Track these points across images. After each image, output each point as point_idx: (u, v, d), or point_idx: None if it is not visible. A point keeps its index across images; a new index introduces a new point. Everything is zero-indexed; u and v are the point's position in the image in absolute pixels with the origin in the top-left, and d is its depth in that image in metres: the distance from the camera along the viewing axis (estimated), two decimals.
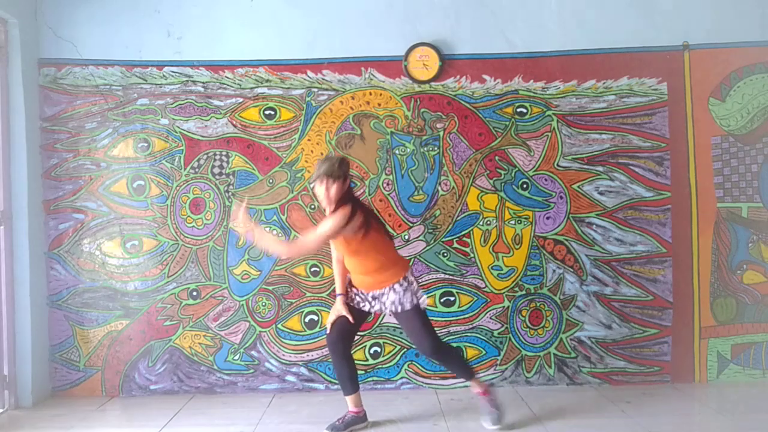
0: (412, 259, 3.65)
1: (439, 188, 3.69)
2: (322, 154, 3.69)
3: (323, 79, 3.70)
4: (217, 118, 3.70)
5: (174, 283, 3.68)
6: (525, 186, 3.70)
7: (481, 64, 3.70)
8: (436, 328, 3.60)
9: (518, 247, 3.70)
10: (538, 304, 3.70)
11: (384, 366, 3.68)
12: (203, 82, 3.70)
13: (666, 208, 3.70)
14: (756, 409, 3.24)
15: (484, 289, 3.69)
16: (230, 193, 3.70)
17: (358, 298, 3.01)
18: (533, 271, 3.70)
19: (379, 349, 3.68)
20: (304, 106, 3.70)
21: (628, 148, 3.70)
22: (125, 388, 3.67)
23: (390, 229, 3.68)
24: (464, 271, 3.69)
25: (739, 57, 3.71)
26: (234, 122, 3.70)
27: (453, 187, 3.68)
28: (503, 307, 3.70)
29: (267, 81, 3.70)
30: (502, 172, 3.70)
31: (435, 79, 3.68)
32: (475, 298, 3.69)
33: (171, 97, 3.70)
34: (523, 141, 3.70)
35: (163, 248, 3.68)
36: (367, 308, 3.00)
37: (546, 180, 3.70)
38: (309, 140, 3.70)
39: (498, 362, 3.69)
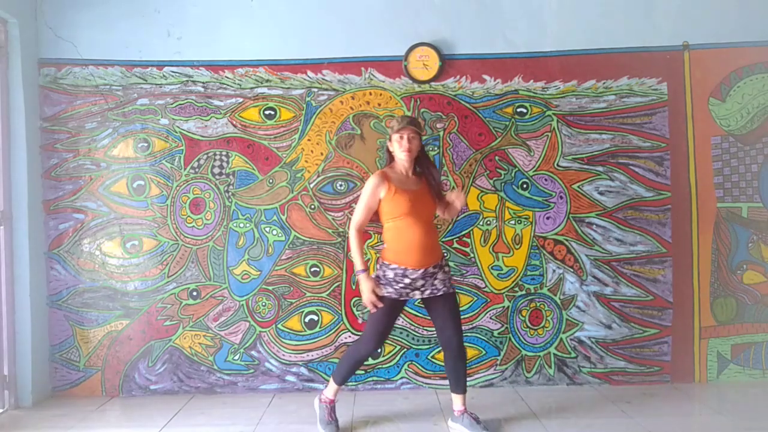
0: None
1: None
2: (322, 154, 3.69)
3: (323, 79, 3.70)
4: (217, 118, 3.70)
5: (174, 283, 3.68)
6: (525, 186, 3.70)
7: (481, 64, 3.70)
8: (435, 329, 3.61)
9: (518, 247, 3.70)
10: (538, 304, 3.70)
11: (384, 366, 3.68)
12: (203, 82, 3.70)
13: (666, 208, 3.70)
14: (756, 409, 3.24)
15: (484, 289, 3.69)
16: (230, 193, 3.70)
17: (407, 290, 2.89)
18: (533, 271, 3.70)
19: (379, 349, 3.68)
20: (304, 106, 3.70)
21: (628, 148, 3.70)
22: (125, 388, 3.68)
23: None
24: (464, 271, 3.69)
25: (739, 57, 3.71)
26: (234, 122, 3.70)
27: (453, 187, 3.68)
28: (503, 307, 3.70)
29: (267, 81, 3.70)
30: (502, 172, 3.70)
31: (435, 79, 3.68)
32: (475, 298, 3.69)
33: (171, 97, 3.70)
34: (523, 141, 3.70)
35: (163, 248, 3.68)
36: (417, 296, 2.90)
37: (546, 180, 3.70)
38: (309, 140, 3.70)
39: (498, 362, 3.69)
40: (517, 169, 3.70)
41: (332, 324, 3.68)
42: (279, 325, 3.69)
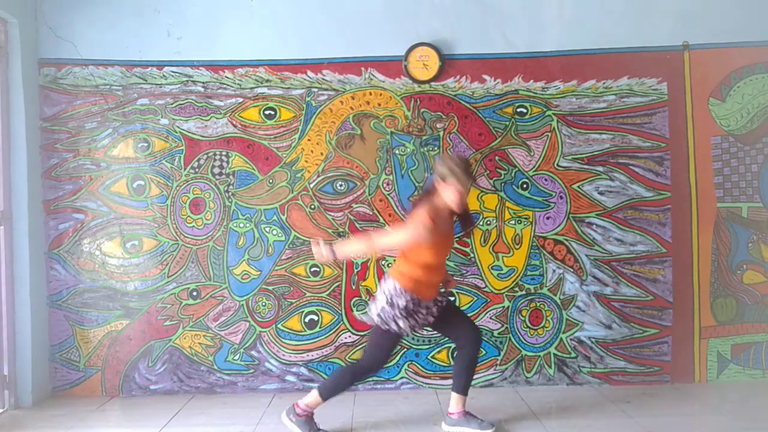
0: None
1: None
2: (322, 154, 3.69)
3: (323, 79, 3.70)
4: (217, 118, 3.70)
5: (174, 283, 3.68)
6: (525, 186, 3.70)
7: (481, 64, 3.70)
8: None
9: (518, 247, 3.70)
10: (538, 304, 3.70)
11: (384, 366, 3.67)
12: (203, 82, 3.70)
13: (666, 208, 3.70)
14: (756, 409, 3.24)
15: (484, 289, 3.69)
16: (230, 193, 3.70)
17: (428, 317, 2.87)
18: (533, 271, 3.70)
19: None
20: (304, 106, 3.70)
21: (628, 148, 3.70)
22: (125, 388, 3.67)
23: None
24: (464, 271, 3.69)
25: (739, 57, 3.71)
26: (234, 122, 3.70)
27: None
28: (503, 307, 3.70)
29: (267, 81, 3.70)
30: (502, 172, 3.70)
31: (435, 79, 3.68)
32: (475, 298, 3.69)
33: (171, 97, 3.70)
34: (523, 141, 3.70)
35: (163, 248, 3.68)
36: (430, 320, 2.89)
37: (546, 180, 3.70)
38: (309, 140, 3.70)
39: (498, 362, 3.69)
40: (517, 169, 3.70)
41: (332, 324, 3.68)
42: (279, 325, 3.68)
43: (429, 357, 3.69)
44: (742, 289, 3.71)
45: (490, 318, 3.69)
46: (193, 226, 3.69)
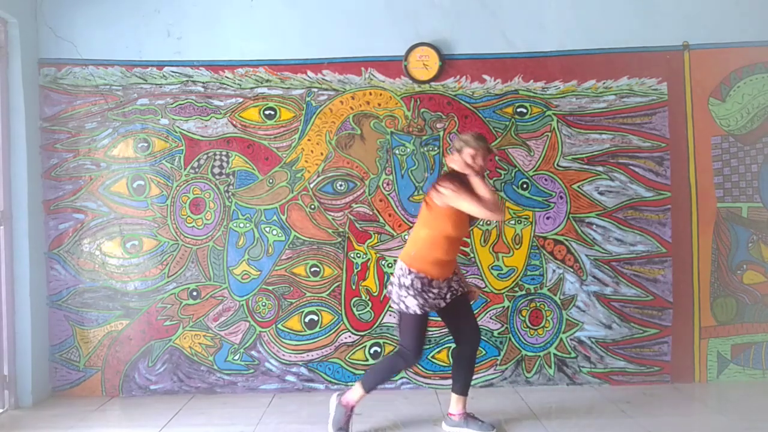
0: None
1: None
2: (322, 154, 3.69)
3: (323, 79, 3.70)
4: (217, 118, 3.70)
5: (174, 283, 3.68)
6: (525, 186, 3.70)
7: (481, 64, 3.70)
8: (435, 329, 3.62)
9: (518, 247, 3.70)
10: (538, 304, 3.70)
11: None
12: (203, 82, 3.70)
13: (666, 208, 3.70)
14: (756, 409, 3.24)
15: (484, 289, 3.69)
16: (230, 193, 3.70)
17: (439, 300, 2.84)
18: (533, 271, 3.70)
19: (379, 349, 3.68)
20: (304, 106, 3.70)
21: (628, 148, 3.70)
22: (125, 388, 3.67)
23: (390, 229, 3.69)
24: (464, 271, 3.68)
25: (739, 57, 3.71)
26: (234, 122, 3.70)
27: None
28: (503, 307, 3.70)
29: (267, 81, 3.70)
30: (502, 172, 3.70)
31: (435, 79, 3.68)
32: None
33: (171, 97, 3.70)
34: (523, 141, 3.70)
35: (163, 248, 3.68)
36: (442, 304, 2.86)
37: (546, 180, 3.70)
38: (309, 140, 3.70)
39: (498, 362, 3.69)
40: (517, 169, 3.70)
41: (332, 324, 3.68)
42: (279, 325, 3.68)
43: (429, 357, 3.69)
44: (742, 289, 3.71)
45: (490, 318, 3.69)
46: (193, 226, 3.69)
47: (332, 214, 3.69)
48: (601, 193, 3.70)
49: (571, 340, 3.70)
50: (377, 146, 3.69)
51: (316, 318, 3.69)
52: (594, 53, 3.70)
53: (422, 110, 3.70)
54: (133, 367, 3.68)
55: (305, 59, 3.70)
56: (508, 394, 3.56)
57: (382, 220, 3.68)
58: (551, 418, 3.16)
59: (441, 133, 3.69)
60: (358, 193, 3.69)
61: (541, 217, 3.70)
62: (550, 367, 3.70)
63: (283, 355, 3.68)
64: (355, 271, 3.68)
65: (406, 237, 3.66)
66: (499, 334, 3.69)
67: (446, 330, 3.65)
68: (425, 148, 3.69)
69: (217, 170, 3.70)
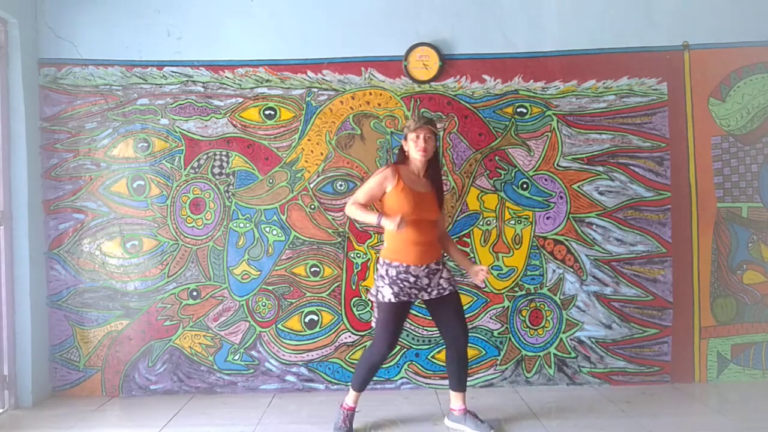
0: None
1: None
2: (322, 154, 3.69)
3: (323, 79, 3.70)
4: (217, 118, 3.70)
5: (174, 283, 3.68)
6: (525, 186, 3.70)
7: (481, 64, 3.70)
8: (435, 329, 3.61)
9: (518, 247, 3.70)
10: (538, 304, 3.70)
11: (384, 366, 3.67)
12: (203, 82, 3.70)
13: (666, 208, 3.70)
14: (756, 409, 3.24)
15: (484, 289, 3.69)
16: (230, 193, 3.70)
17: (414, 290, 2.87)
18: (533, 271, 3.70)
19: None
20: (304, 106, 3.70)
21: (628, 148, 3.70)
22: (125, 388, 3.68)
23: None
24: (464, 271, 3.69)
25: (739, 57, 3.71)
26: (234, 122, 3.70)
27: (453, 187, 3.68)
28: (503, 307, 3.70)
29: (267, 81, 3.70)
30: (502, 172, 3.70)
31: (435, 79, 3.68)
32: (475, 298, 3.69)
33: (171, 97, 3.70)
34: (523, 141, 3.70)
35: (163, 248, 3.68)
36: (425, 297, 2.89)
37: (546, 180, 3.70)
38: (309, 140, 3.70)
39: (498, 362, 3.69)
40: (517, 169, 3.70)
41: (332, 324, 3.68)
42: (279, 325, 3.68)
43: (429, 357, 3.69)
44: (742, 289, 3.71)
45: (490, 318, 3.69)
46: (193, 226, 3.69)
47: (332, 214, 3.69)
48: (601, 193, 3.70)
49: (571, 340, 3.70)
50: (377, 146, 3.69)
51: (316, 318, 3.69)
52: (594, 53, 3.70)
53: (422, 110, 3.70)
54: (133, 367, 3.68)
55: (305, 59, 3.70)
56: (508, 394, 3.56)
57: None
58: (551, 418, 3.16)
59: (441, 133, 3.69)
60: None
61: (541, 217, 3.70)
62: (550, 367, 3.70)
63: (283, 355, 3.69)
64: (355, 271, 3.68)
65: None
66: (499, 334, 3.70)
67: None
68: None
69: (217, 170, 3.70)
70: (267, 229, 3.69)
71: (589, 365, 3.70)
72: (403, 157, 2.97)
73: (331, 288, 3.68)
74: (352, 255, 3.68)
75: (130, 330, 3.67)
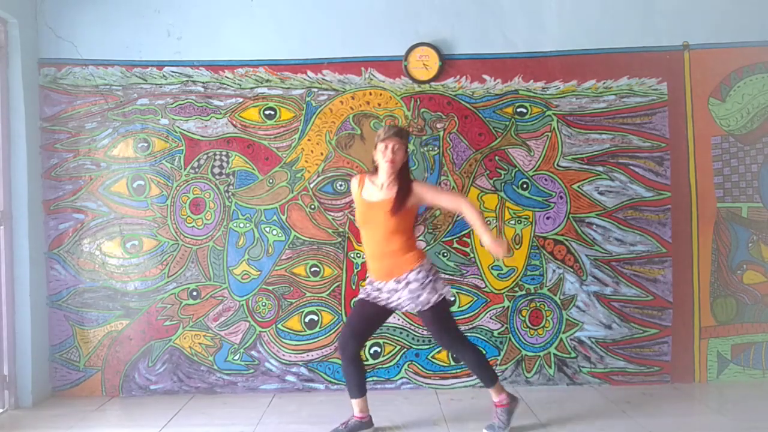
0: None
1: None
2: (322, 154, 3.69)
3: (323, 79, 3.70)
4: (217, 118, 3.70)
5: (174, 283, 3.68)
6: (525, 186, 3.70)
7: (481, 64, 3.70)
8: None
9: (518, 247, 3.70)
10: (538, 304, 3.70)
11: (384, 366, 3.68)
12: (203, 82, 3.70)
13: (666, 208, 3.70)
14: (756, 409, 3.24)
15: (484, 289, 3.69)
16: (230, 193, 3.70)
17: (375, 293, 2.87)
18: (533, 271, 3.70)
19: (379, 349, 3.68)
20: (304, 106, 3.70)
21: (628, 148, 3.70)
22: (125, 388, 3.67)
23: None
24: (464, 271, 3.69)
25: (739, 57, 3.71)
26: (234, 122, 3.70)
27: (453, 187, 3.68)
28: (503, 307, 3.70)
29: (267, 81, 3.70)
30: (502, 172, 3.70)
31: (435, 79, 3.68)
32: (475, 298, 3.69)
33: (171, 97, 3.70)
34: (523, 141, 3.70)
35: (163, 248, 3.68)
36: (382, 303, 2.85)
37: (546, 180, 3.70)
38: (309, 140, 3.70)
39: (498, 362, 3.69)
40: (517, 169, 3.70)
41: (332, 324, 3.68)
42: (279, 325, 3.68)
43: (429, 357, 3.69)
44: (742, 289, 3.71)
45: (490, 318, 3.69)
46: (193, 226, 3.69)
47: (332, 214, 3.69)
48: (601, 193, 3.70)
49: (571, 340, 3.70)
50: None
51: (316, 318, 3.69)
52: (594, 53, 3.70)
53: (422, 110, 3.70)
54: (133, 367, 3.68)
55: (305, 59, 3.70)
56: None
57: None
58: (551, 418, 3.16)
59: (441, 133, 3.69)
60: None
61: (541, 217, 3.70)
62: (550, 367, 3.70)
63: (283, 355, 3.68)
64: (355, 271, 3.68)
65: None
66: (499, 334, 3.69)
67: None
68: (425, 148, 3.69)
69: (217, 170, 3.70)
70: (267, 229, 3.69)
71: (589, 365, 3.70)
72: (376, 170, 2.90)
73: (331, 288, 3.68)
74: (352, 255, 3.68)
75: (130, 330, 3.67)
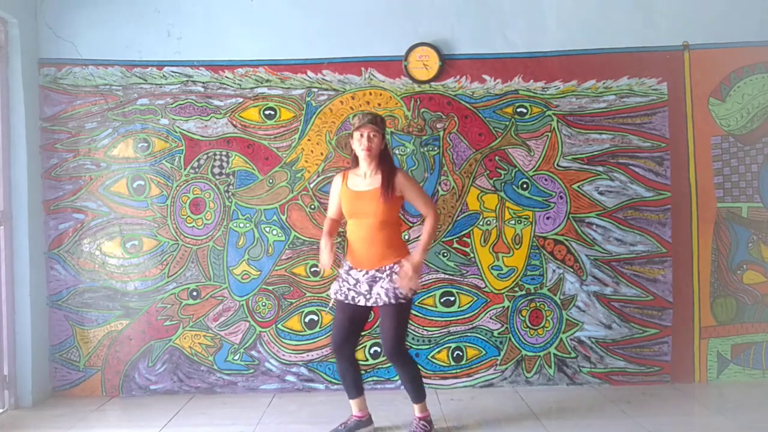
0: None
1: (439, 188, 3.69)
2: (322, 154, 3.69)
3: (323, 79, 3.70)
4: (217, 118, 3.70)
5: (174, 283, 3.68)
6: (525, 186, 3.70)
7: (481, 64, 3.70)
8: (435, 329, 3.63)
9: (518, 247, 3.70)
10: (538, 304, 3.70)
11: (384, 366, 3.68)
12: (203, 82, 3.70)
13: (666, 208, 3.70)
14: (756, 409, 3.24)
15: (484, 289, 3.69)
16: (230, 193, 3.70)
17: (352, 293, 2.85)
18: (533, 271, 3.70)
19: (379, 349, 3.68)
20: (304, 106, 3.70)
21: (628, 148, 3.70)
22: (125, 388, 3.67)
23: None
24: (464, 271, 3.69)
25: (739, 57, 3.71)
26: (234, 122, 3.70)
27: (453, 187, 3.68)
28: (503, 307, 3.70)
29: (267, 81, 3.70)
30: (502, 172, 3.70)
31: (435, 79, 3.68)
32: (475, 298, 3.69)
33: (171, 97, 3.70)
34: (523, 141, 3.70)
35: (163, 248, 3.68)
36: (362, 303, 2.83)
37: (546, 180, 3.70)
38: (309, 140, 3.70)
39: (498, 362, 3.69)
40: (517, 169, 3.70)
41: (332, 324, 3.67)
42: (279, 325, 3.68)
43: (429, 357, 3.69)
44: (742, 289, 3.71)
45: (490, 318, 3.69)
46: (193, 226, 3.69)
47: None
48: (601, 193, 3.70)
49: (571, 340, 3.70)
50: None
51: (316, 318, 3.69)
52: (594, 53, 3.70)
53: (422, 110, 3.70)
54: (133, 367, 3.68)
55: (305, 59, 3.70)
56: (508, 394, 3.56)
57: None
58: (551, 418, 3.16)
59: (441, 133, 3.70)
60: None
61: (541, 217, 3.70)
62: (550, 367, 3.70)
63: (283, 355, 3.68)
64: None
65: (407, 237, 3.66)
66: (499, 334, 3.69)
67: (446, 330, 3.67)
68: (425, 148, 3.69)
69: (217, 170, 3.70)
70: (267, 229, 3.69)
71: (589, 365, 3.70)
72: (356, 160, 2.93)
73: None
74: None
75: (130, 330, 3.67)
